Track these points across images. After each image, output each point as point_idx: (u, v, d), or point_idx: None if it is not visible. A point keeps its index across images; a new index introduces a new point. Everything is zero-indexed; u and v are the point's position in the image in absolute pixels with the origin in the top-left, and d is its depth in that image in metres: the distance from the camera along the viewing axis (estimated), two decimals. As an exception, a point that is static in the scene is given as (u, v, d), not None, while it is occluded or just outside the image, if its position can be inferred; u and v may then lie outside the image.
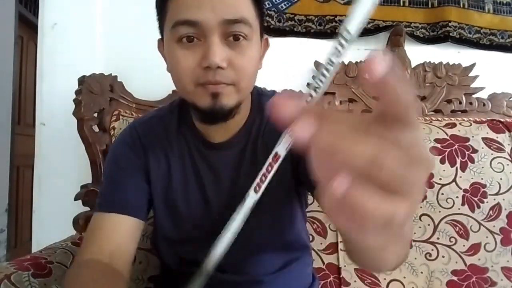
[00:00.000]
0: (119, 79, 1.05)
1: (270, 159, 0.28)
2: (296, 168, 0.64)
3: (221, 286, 0.65)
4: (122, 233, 0.61)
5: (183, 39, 0.55)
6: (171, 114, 0.70)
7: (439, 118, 1.14)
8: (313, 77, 0.25)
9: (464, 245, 0.99)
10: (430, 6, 1.29)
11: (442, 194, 1.01)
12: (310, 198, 0.95)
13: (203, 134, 0.66)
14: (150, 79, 1.14)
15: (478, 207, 1.01)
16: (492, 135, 1.09)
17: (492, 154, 1.06)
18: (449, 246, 0.98)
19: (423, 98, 1.19)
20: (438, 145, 1.03)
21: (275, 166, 0.28)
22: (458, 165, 1.03)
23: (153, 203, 0.68)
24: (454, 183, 1.02)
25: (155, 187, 0.67)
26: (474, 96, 1.20)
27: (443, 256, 0.98)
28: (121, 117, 0.98)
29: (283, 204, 0.68)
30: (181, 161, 0.67)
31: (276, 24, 1.21)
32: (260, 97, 0.69)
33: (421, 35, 1.28)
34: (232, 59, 0.55)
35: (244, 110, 0.66)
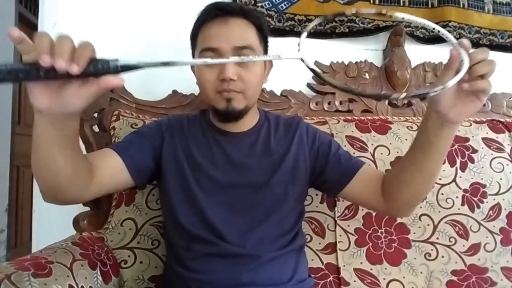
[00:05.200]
0: (119, 79, 1.05)
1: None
2: (319, 168, 0.83)
3: (223, 256, 0.75)
4: (108, 164, 0.73)
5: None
6: (195, 116, 0.89)
7: (439, 118, 1.14)
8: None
9: (463, 245, 0.99)
10: (430, 6, 1.29)
11: (442, 194, 1.01)
12: (308, 199, 0.95)
13: (219, 127, 0.83)
14: (150, 79, 1.14)
15: (478, 207, 1.01)
16: (492, 135, 1.09)
17: (492, 154, 1.06)
18: (448, 246, 0.99)
19: (423, 98, 1.19)
20: (438, 145, 1.03)
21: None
22: (458, 165, 1.03)
23: (161, 176, 0.82)
24: (454, 183, 1.02)
25: (177, 155, 0.81)
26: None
27: (442, 256, 0.98)
28: (121, 117, 0.98)
29: (293, 187, 0.81)
30: (198, 142, 0.82)
31: (276, 24, 1.21)
32: (266, 113, 0.90)
33: (421, 35, 1.28)
34: (241, 74, 0.74)
35: (253, 117, 0.85)
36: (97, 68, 0.46)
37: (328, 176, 0.82)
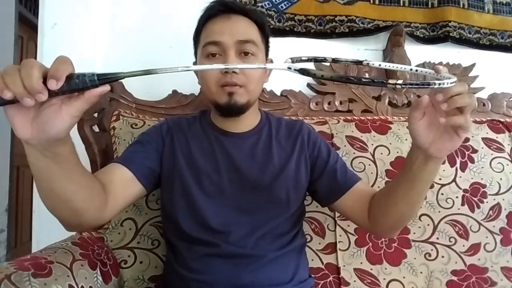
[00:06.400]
0: (119, 79, 1.05)
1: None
2: (313, 176, 0.84)
3: (224, 257, 0.75)
4: (117, 177, 0.72)
5: (210, 55, 0.77)
6: (194, 117, 0.88)
7: (439, 118, 1.14)
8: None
9: (464, 245, 0.99)
10: (430, 6, 1.29)
11: (442, 194, 1.01)
12: (308, 199, 0.95)
13: (220, 127, 0.83)
14: (150, 79, 1.13)
15: (478, 207, 1.01)
16: (492, 135, 1.09)
17: (492, 154, 1.06)
18: (448, 246, 0.99)
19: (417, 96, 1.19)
20: (438, 145, 1.03)
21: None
22: (458, 165, 1.03)
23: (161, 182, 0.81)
24: (454, 183, 1.02)
25: (177, 160, 0.80)
26: (474, 96, 1.20)
27: (442, 256, 0.98)
28: (121, 117, 0.98)
29: (294, 192, 0.81)
30: (199, 143, 0.82)
31: (276, 24, 1.21)
32: (267, 114, 0.90)
33: (421, 35, 1.28)
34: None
35: (254, 117, 0.85)
36: (76, 83, 0.45)
37: (319, 187, 0.83)
